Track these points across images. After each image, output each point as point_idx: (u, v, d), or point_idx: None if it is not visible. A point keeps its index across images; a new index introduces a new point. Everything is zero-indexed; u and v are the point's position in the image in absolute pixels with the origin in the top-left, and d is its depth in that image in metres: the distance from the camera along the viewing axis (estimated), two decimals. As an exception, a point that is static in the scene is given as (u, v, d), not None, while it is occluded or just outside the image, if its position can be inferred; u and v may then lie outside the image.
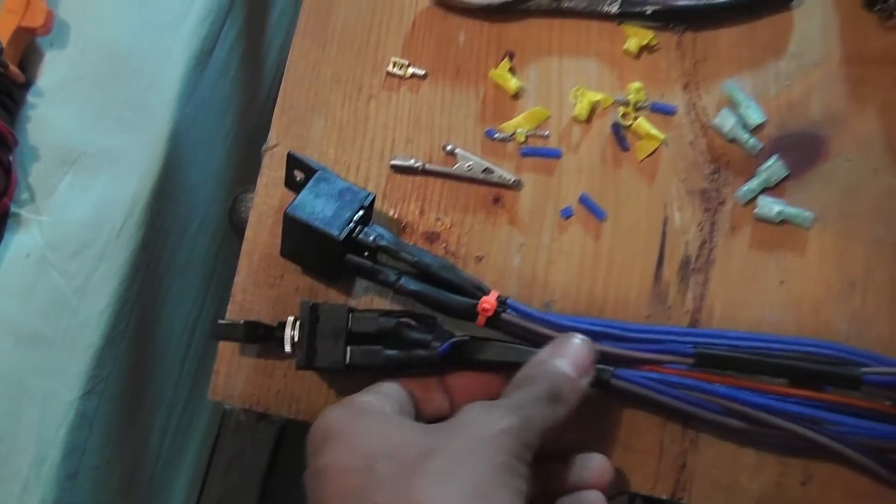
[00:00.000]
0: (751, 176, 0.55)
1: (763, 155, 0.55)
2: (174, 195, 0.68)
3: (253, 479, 1.14)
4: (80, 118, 0.64)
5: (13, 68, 0.62)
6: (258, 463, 1.15)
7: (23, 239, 0.61)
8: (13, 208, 0.61)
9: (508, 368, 0.51)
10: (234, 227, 0.58)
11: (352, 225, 0.50)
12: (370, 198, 0.51)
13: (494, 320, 0.50)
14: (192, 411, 0.83)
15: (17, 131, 0.62)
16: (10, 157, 0.61)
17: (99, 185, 0.63)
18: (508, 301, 0.51)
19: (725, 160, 0.55)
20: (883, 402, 0.51)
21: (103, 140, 0.64)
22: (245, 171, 0.78)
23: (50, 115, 0.64)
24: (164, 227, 0.67)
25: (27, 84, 0.64)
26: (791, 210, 0.54)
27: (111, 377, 0.64)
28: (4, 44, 0.62)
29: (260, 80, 0.81)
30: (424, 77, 0.56)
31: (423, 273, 0.51)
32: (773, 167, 0.54)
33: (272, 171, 0.55)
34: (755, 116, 0.55)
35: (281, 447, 1.24)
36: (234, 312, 0.54)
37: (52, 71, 0.65)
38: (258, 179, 0.55)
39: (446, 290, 0.51)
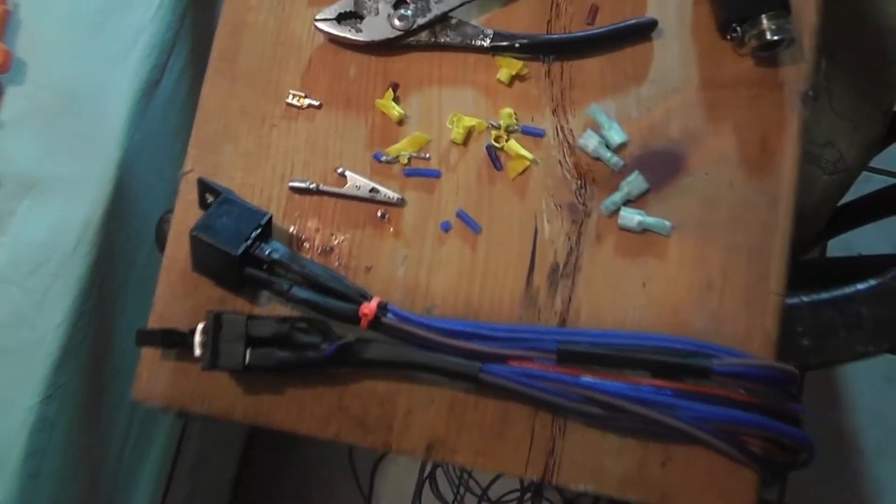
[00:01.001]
0: (614, 190, 0.61)
1: (626, 171, 0.61)
2: (125, 218, 0.74)
3: (220, 479, 1.20)
4: (36, 148, 0.70)
5: None
6: (225, 463, 1.20)
7: None
8: None
9: (391, 368, 0.57)
10: (160, 244, 0.64)
11: (249, 242, 0.57)
12: (266, 217, 0.58)
13: (377, 324, 0.57)
14: (154, 414, 0.89)
15: (-22, 161, 0.69)
16: None
17: (54, 209, 0.69)
18: (389, 306, 0.57)
19: (591, 176, 0.61)
20: (737, 391, 0.57)
21: (57, 168, 0.70)
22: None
23: (9, 146, 0.70)
24: (116, 247, 0.73)
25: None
26: (651, 220, 0.60)
27: (70, 384, 0.69)
28: None
29: (196, 115, 0.88)
30: (319, 107, 0.63)
31: (313, 283, 0.57)
32: (634, 182, 0.60)
33: (188, 194, 0.62)
34: (617, 137, 0.61)
35: (252, 447, 1.30)
36: (155, 321, 0.60)
37: (11, 106, 0.71)
38: (176, 202, 0.62)
39: (334, 298, 0.57)
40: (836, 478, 1.36)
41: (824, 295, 0.63)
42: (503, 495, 1.39)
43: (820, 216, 0.92)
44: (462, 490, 1.38)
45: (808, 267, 0.88)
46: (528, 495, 1.39)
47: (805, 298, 0.63)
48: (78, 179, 0.70)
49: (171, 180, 0.82)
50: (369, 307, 0.56)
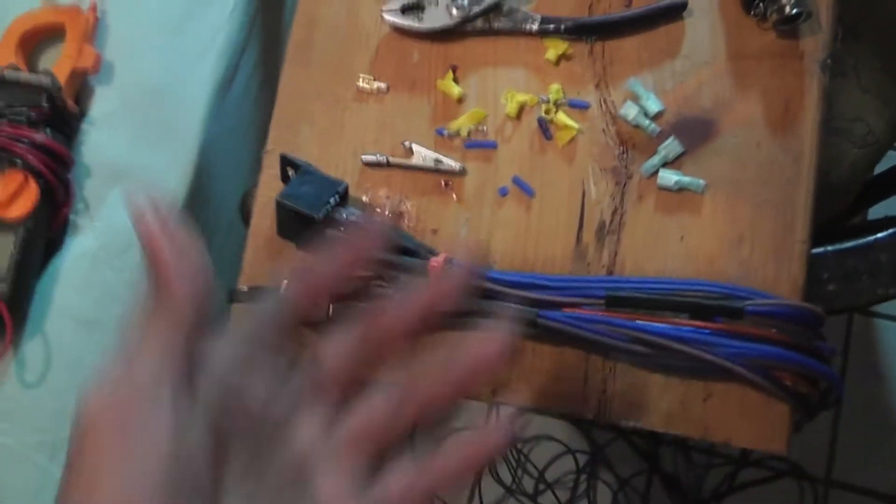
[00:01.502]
0: (653, 154, 0.68)
1: (662, 137, 0.69)
2: (205, 201, 0.82)
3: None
4: (124, 141, 0.78)
5: (70, 103, 0.77)
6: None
7: (80, 241, 0.75)
8: (72, 217, 0.76)
9: (458, 317, 0.65)
10: (244, 216, 0.73)
11: (328, 207, 0.65)
12: (343, 186, 0.66)
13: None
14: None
15: (74, 154, 0.76)
16: (69, 176, 0.76)
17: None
18: (454, 261, 0.65)
19: (632, 143, 0.69)
20: (769, 330, 0.64)
21: (143, 158, 0.78)
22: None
23: (99, 139, 0.78)
24: (197, 228, 0.82)
25: (81, 115, 0.78)
26: (686, 179, 0.68)
27: None
28: (63, 83, 0.77)
29: (275, 98, 0.96)
30: (387, 89, 0.71)
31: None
32: (670, 145, 0.68)
33: (270, 169, 0.70)
34: (654, 106, 0.69)
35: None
36: (244, 282, 0.69)
37: (101, 103, 0.79)
38: (260, 176, 0.71)
39: (405, 255, 0.65)
40: (883, 453, 1.42)
41: (847, 244, 0.70)
42: (560, 477, 1.45)
43: (851, 187, 0.99)
44: (520, 472, 1.45)
45: (848, 230, 0.95)
46: (584, 476, 1.45)
47: (830, 248, 0.70)
48: (162, 167, 0.78)
49: (245, 165, 0.91)
50: (437, 261, 0.64)
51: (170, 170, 0.78)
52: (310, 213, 0.64)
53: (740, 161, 0.68)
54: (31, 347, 0.72)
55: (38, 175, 0.73)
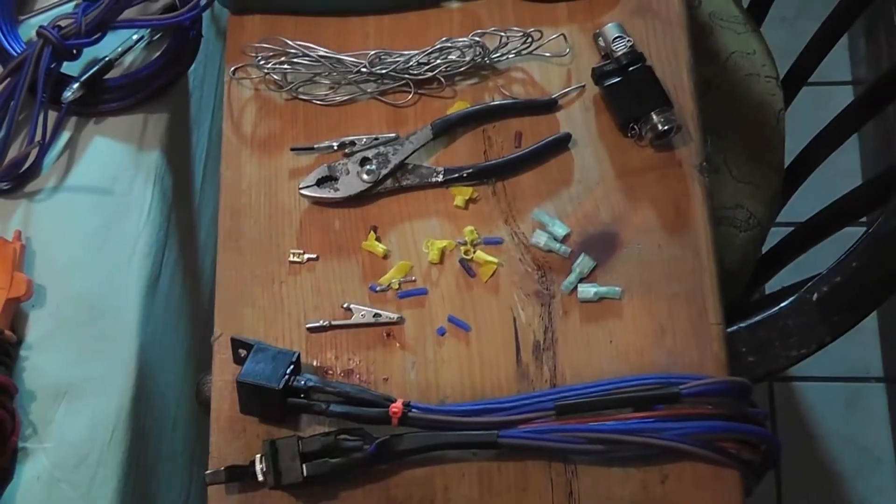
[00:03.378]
0: (569, 272, 0.79)
1: (574, 256, 0.79)
2: (151, 398, 0.87)
3: None
4: (63, 359, 0.83)
5: (7, 332, 0.81)
6: None
7: (33, 465, 0.79)
8: (20, 443, 0.79)
9: (425, 452, 0.73)
10: (201, 404, 0.80)
11: (286, 377, 0.73)
12: (296, 355, 0.74)
13: (405, 419, 0.73)
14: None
15: (16, 381, 0.81)
16: (14, 404, 0.80)
17: (87, 408, 0.81)
18: (412, 403, 0.73)
19: (548, 266, 0.80)
20: (705, 407, 0.74)
21: (85, 371, 0.83)
22: (203, 362, 1.00)
23: (40, 361, 0.83)
24: (146, 427, 0.86)
25: (18, 342, 0.83)
26: (604, 289, 0.78)
27: None
28: None
29: (200, 289, 1.03)
30: (317, 259, 0.81)
31: (345, 398, 0.74)
32: (582, 262, 0.79)
33: (222, 354, 0.78)
34: (560, 230, 0.80)
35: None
36: (214, 465, 0.75)
37: (36, 326, 0.84)
38: (213, 362, 0.78)
39: (365, 406, 0.73)
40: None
41: (756, 318, 0.81)
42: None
43: (745, 269, 1.12)
44: None
45: (750, 307, 1.07)
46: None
47: (741, 325, 0.81)
48: (104, 377, 0.83)
49: (183, 357, 0.98)
50: (397, 407, 0.72)
51: (112, 377, 0.83)
52: (270, 385, 0.72)
53: (647, 263, 0.79)
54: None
55: (-17, 411, 0.77)
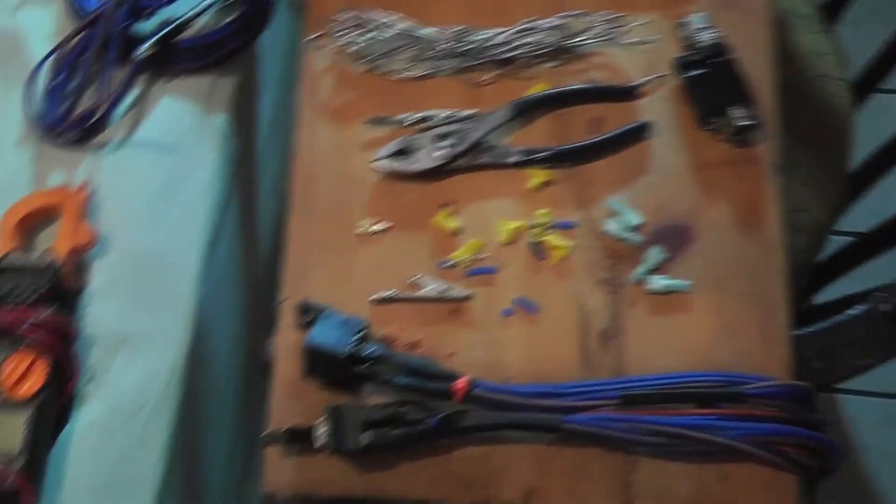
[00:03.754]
0: (639, 262, 0.79)
1: (646, 246, 0.80)
2: (204, 357, 0.88)
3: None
4: (123, 309, 0.85)
5: (70, 279, 0.83)
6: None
7: (89, 411, 0.81)
8: (78, 388, 0.81)
9: (486, 430, 0.74)
10: (262, 366, 0.81)
11: (353, 344, 0.74)
12: (364, 324, 0.75)
13: (469, 396, 0.73)
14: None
15: (77, 327, 0.82)
16: (74, 349, 0.82)
17: (144, 360, 0.83)
18: (477, 381, 0.74)
19: (619, 254, 0.80)
20: (768, 409, 0.74)
21: (143, 324, 0.84)
22: (257, 325, 1.01)
23: (100, 310, 0.84)
24: (199, 384, 0.88)
25: (81, 289, 0.85)
26: (673, 282, 0.78)
27: None
28: (62, 262, 0.84)
29: (258, 253, 1.04)
30: (388, 230, 0.81)
31: (410, 371, 0.74)
32: (654, 254, 0.79)
33: (287, 317, 0.79)
34: (633, 219, 0.80)
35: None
36: (273, 426, 0.76)
37: (99, 275, 0.86)
38: (278, 325, 0.79)
39: (430, 380, 0.74)
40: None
41: (824, 324, 0.81)
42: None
43: (801, 275, 1.12)
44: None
45: (805, 312, 1.08)
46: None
47: (809, 329, 0.81)
48: (161, 331, 0.84)
49: (238, 320, 0.99)
50: (462, 383, 0.73)
51: (169, 332, 0.85)
52: (337, 351, 0.73)
53: (718, 260, 0.79)
54: (49, 520, 0.76)
55: (46, 352, 0.78)
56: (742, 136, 0.82)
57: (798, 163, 1.12)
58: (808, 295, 1.18)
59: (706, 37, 0.84)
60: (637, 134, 0.83)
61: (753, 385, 0.74)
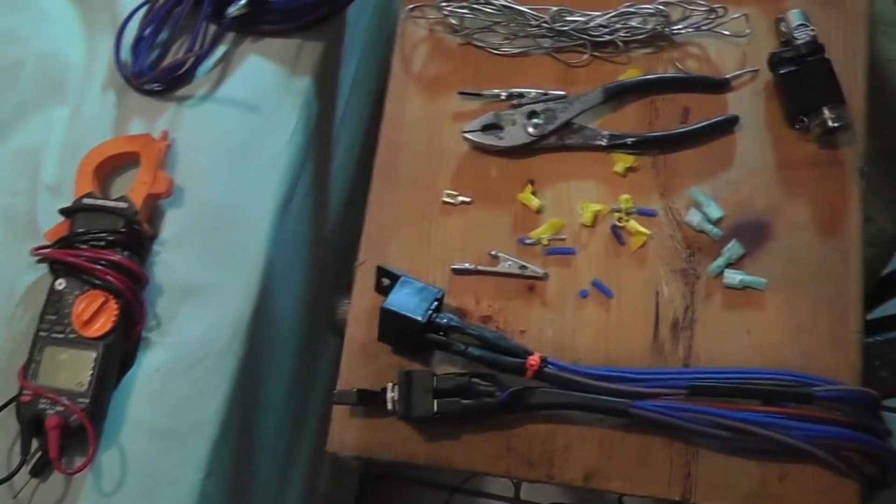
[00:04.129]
0: (717, 256, 0.79)
1: (725, 240, 0.80)
2: (269, 314, 0.89)
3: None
4: (193, 260, 0.86)
5: (144, 225, 0.85)
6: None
7: (153, 356, 0.83)
8: (145, 333, 0.83)
9: (554, 409, 0.75)
10: (334, 326, 0.83)
11: (430, 312, 0.75)
12: (441, 293, 0.77)
13: (540, 374, 0.75)
14: (285, 489, 1.05)
15: (148, 273, 0.84)
16: (144, 294, 0.84)
17: (210, 312, 0.85)
18: (549, 359, 0.75)
19: (697, 246, 0.80)
20: (835, 413, 0.75)
21: (212, 276, 0.86)
22: (323, 286, 1.02)
23: (171, 259, 0.86)
24: (261, 340, 0.89)
25: (154, 236, 0.86)
26: (749, 278, 0.79)
27: (225, 462, 0.84)
28: (138, 208, 0.86)
29: (327, 216, 1.05)
30: (470, 203, 0.82)
31: (483, 343, 0.76)
32: (732, 248, 0.80)
33: (363, 280, 0.80)
34: (715, 212, 0.80)
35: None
36: (342, 386, 0.78)
37: (172, 225, 0.87)
38: (353, 288, 0.80)
39: (502, 354, 0.76)
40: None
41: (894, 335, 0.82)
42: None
43: (869, 284, 1.12)
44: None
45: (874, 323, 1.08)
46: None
47: (880, 338, 0.82)
48: (229, 285, 0.86)
49: (305, 280, 1.01)
50: (534, 359, 0.74)
51: (236, 286, 0.86)
52: (414, 317, 0.75)
53: (796, 260, 0.79)
54: (108, 459, 0.79)
55: (117, 295, 0.80)
56: (829, 137, 0.82)
57: (869, 171, 1.11)
58: (869, 307, 1.18)
59: (803, 34, 0.83)
60: (725, 127, 0.83)
61: (823, 387, 0.74)
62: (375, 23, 1.12)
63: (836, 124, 0.81)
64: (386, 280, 0.78)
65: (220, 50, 0.96)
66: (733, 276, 0.79)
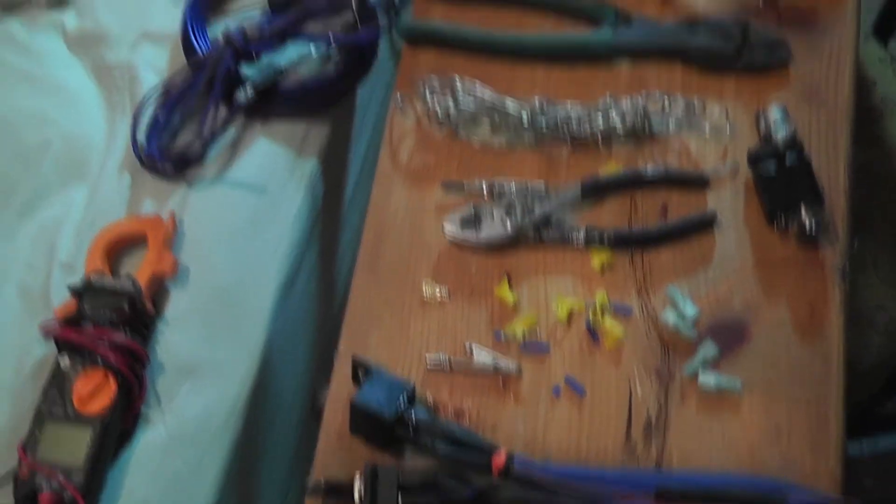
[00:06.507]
0: (693, 356, 0.72)
1: (700, 339, 0.72)
2: (268, 393, 0.84)
3: None
4: (195, 339, 0.82)
5: (148, 305, 0.81)
6: None
7: (152, 433, 0.78)
8: (144, 410, 0.78)
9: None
10: (314, 411, 0.76)
11: (399, 407, 0.68)
12: (411, 387, 0.70)
13: (507, 472, 0.67)
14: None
15: (149, 352, 0.80)
16: (144, 372, 0.79)
17: (209, 390, 0.80)
18: (515, 457, 0.68)
19: (672, 345, 0.73)
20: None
21: (213, 354, 0.81)
22: (321, 367, 0.96)
23: (173, 337, 0.82)
24: (260, 419, 0.84)
25: (157, 316, 0.82)
26: (725, 380, 0.71)
27: None
28: (143, 287, 0.82)
29: (332, 297, 0.99)
30: (448, 296, 0.76)
31: (451, 439, 0.68)
32: (708, 348, 0.71)
33: (342, 369, 0.73)
34: (690, 311, 0.73)
35: None
36: (317, 473, 0.71)
37: (175, 304, 0.83)
38: (332, 377, 0.74)
39: (470, 450, 0.68)
40: None
41: (883, 442, 0.73)
42: None
43: (878, 374, 1.01)
44: None
45: (879, 416, 0.98)
46: None
47: (865, 443, 0.73)
48: (229, 363, 0.81)
49: (305, 361, 0.95)
50: (500, 457, 0.67)
51: (236, 366, 0.82)
52: (382, 414, 0.68)
53: (773, 362, 0.71)
54: (104, 537, 0.73)
55: (116, 373, 0.76)
56: (808, 237, 0.74)
57: (879, 261, 1.02)
58: (881, 400, 1.07)
59: (783, 130, 0.76)
60: (704, 224, 0.76)
61: (798, 496, 0.66)
62: (386, 104, 1.07)
63: (813, 226, 0.73)
64: (361, 371, 0.71)
65: (230, 133, 0.92)
66: (708, 379, 0.71)
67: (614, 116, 0.80)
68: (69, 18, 1.00)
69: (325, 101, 0.93)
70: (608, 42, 0.84)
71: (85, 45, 0.99)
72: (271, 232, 0.88)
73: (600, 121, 0.80)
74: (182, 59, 0.94)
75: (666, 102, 0.80)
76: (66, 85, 0.97)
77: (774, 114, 0.77)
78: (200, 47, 0.92)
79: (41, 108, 0.96)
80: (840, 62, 0.84)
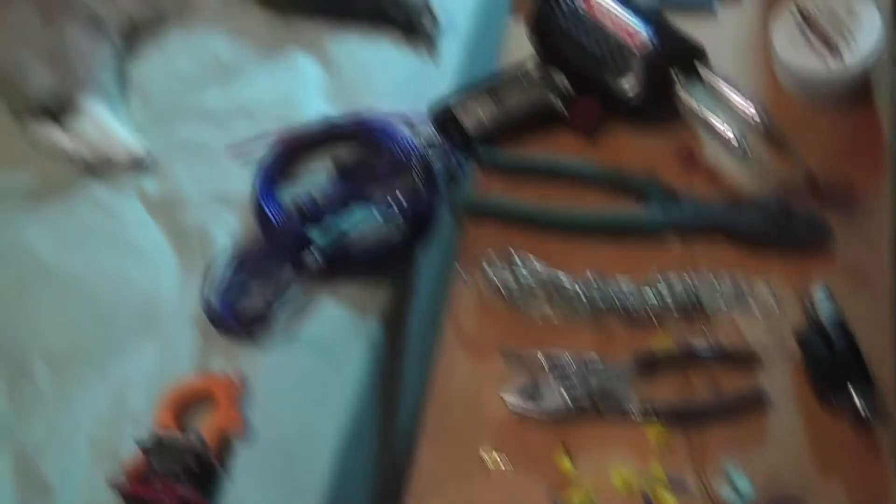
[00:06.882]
0: (750, 533, 0.72)
1: (757, 518, 0.72)
2: None
3: None
4: (259, 497, 0.83)
5: (214, 461, 0.82)
6: None
7: None
8: None
9: None
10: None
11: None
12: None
13: None
14: None
15: (213, 506, 0.80)
16: None
17: None
18: None
19: (730, 523, 0.73)
20: None
21: None
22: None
23: (238, 493, 0.83)
24: None
25: (223, 472, 0.83)
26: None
27: None
28: (210, 444, 0.84)
29: (393, 456, 0.95)
30: (511, 467, 0.77)
31: None
32: (765, 526, 0.72)
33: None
34: (747, 489, 0.73)
35: None
36: None
37: (241, 461, 0.84)
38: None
39: None
40: None
41: None
42: None
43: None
44: None
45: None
46: None
47: None
48: None
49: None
50: None
51: None
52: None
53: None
54: None
55: (182, 529, 0.76)
56: (862, 419, 0.74)
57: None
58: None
59: (828, 310, 0.77)
60: (755, 401, 0.77)
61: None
62: (446, 266, 1.10)
63: (864, 409, 0.73)
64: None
65: (297, 294, 0.94)
66: (768, 557, 0.70)
67: (665, 293, 0.82)
68: (148, 182, 1.06)
69: (388, 265, 0.96)
70: (659, 220, 0.87)
71: (162, 207, 1.03)
72: (335, 391, 0.89)
73: (652, 296, 0.82)
74: (252, 220, 0.98)
75: (714, 281, 0.82)
76: (142, 245, 1.02)
77: (818, 294, 0.79)
78: (271, 213, 0.96)
79: (118, 267, 1.00)
80: (880, 241, 0.85)
